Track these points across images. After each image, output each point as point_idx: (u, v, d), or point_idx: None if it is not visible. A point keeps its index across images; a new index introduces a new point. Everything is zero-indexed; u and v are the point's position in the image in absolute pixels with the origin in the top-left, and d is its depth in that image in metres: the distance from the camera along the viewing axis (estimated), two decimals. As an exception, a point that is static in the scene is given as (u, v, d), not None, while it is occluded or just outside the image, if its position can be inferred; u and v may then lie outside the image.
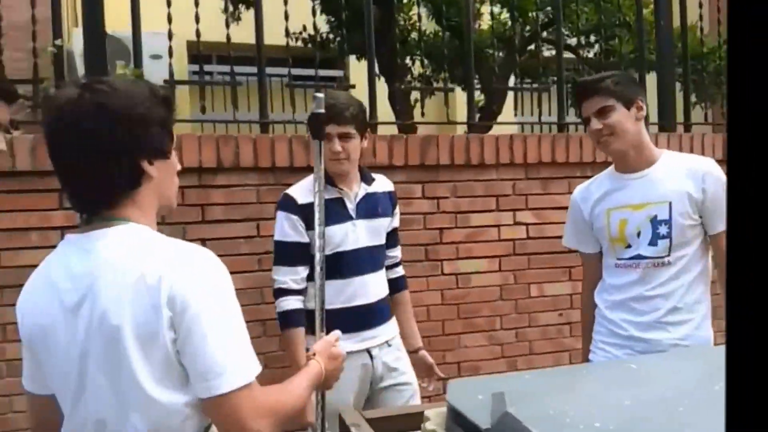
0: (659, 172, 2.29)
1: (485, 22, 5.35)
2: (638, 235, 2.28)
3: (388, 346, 2.62)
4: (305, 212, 2.42)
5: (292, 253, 2.48)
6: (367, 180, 2.62)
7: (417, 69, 5.79)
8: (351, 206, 2.54)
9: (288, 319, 2.47)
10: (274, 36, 3.51)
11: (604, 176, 2.44)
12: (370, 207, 2.58)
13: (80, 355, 1.22)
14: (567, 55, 5.19)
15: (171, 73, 3.30)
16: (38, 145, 2.80)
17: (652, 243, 2.26)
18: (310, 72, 4.88)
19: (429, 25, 5.51)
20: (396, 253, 2.79)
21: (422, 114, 4.08)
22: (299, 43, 5.18)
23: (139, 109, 1.26)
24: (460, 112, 3.93)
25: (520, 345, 3.52)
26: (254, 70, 3.47)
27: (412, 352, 2.76)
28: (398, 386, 2.62)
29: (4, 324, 2.79)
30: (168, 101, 1.33)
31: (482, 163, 3.40)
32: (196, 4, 3.33)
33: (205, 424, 1.29)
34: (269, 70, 3.56)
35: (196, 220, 3.01)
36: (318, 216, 2.00)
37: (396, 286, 2.77)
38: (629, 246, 2.31)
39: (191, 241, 2.91)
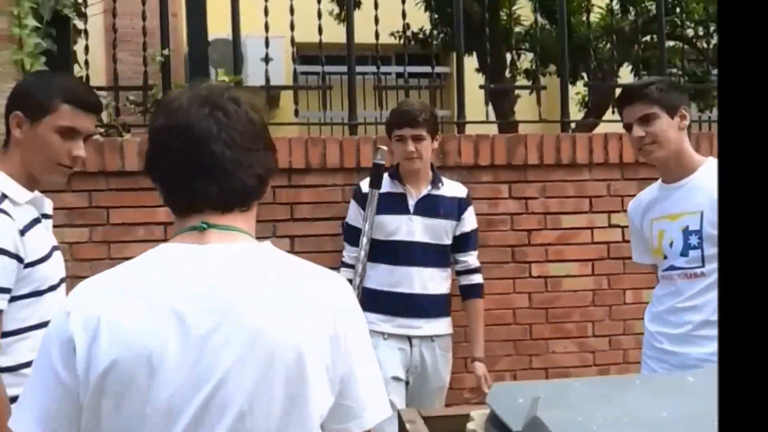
0: (698, 181, 2.22)
1: (595, 14, 5.17)
2: (671, 245, 2.23)
3: (431, 341, 2.78)
4: (365, 200, 2.79)
5: (347, 233, 2.90)
6: (436, 183, 2.82)
7: (523, 64, 5.69)
8: (411, 202, 2.79)
9: None
10: (381, 34, 3.61)
11: (653, 185, 2.40)
12: (431, 207, 2.79)
13: (213, 387, 1.05)
14: (676, 46, 4.93)
15: (267, 79, 3.45)
16: (144, 147, 3.02)
17: (684, 254, 2.20)
18: (418, 69, 4.93)
19: (532, 18, 5.39)
20: (467, 258, 2.89)
21: (513, 112, 4.01)
22: (401, 41, 5.24)
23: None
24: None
25: (613, 353, 3.39)
26: (365, 69, 3.60)
27: (472, 361, 2.89)
28: (427, 384, 2.78)
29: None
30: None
31: (574, 162, 3.31)
32: (292, 11, 3.45)
33: None
34: (370, 68, 3.67)
35: (286, 218, 3.14)
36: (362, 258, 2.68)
37: (468, 292, 2.90)
38: (666, 257, 2.26)
39: (281, 237, 3.10)
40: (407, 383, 2.79)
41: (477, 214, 3.15)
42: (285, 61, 4.75)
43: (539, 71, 5.17)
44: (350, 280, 2.83)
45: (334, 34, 3.61)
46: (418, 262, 2.75)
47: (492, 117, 3.95)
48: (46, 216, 1.88)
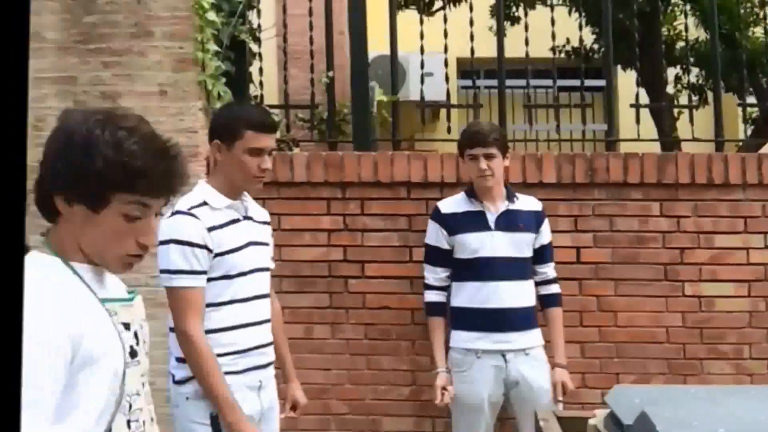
0: None
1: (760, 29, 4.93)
2: None
3: (525, 354, 2.83)
4: (446, 220, 2.92)
5: (431, 255, 2.98)
6: (511, 198, 2.92)
7: (685, 78, 5.52)
8: (491, 218, 2.89)
9: (427, 308, 3.01)
10: (540, 49, 3.73)
11: None
12: (511, 221, 2.87)
13: None
14: None
15: (422, 97, 3.67)
16: (312, 160, 3.33)
17: None
18: (575, 83, 4.95)
19: (696, 33, 5.22)
20: (545, 269, 2.96)
21: (670, 128, 3.95)
22: (560, 55, 5.28)
23: (73, 145, 1.24)
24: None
25: (771, 377, 3.26)
26: (522, 83, 3.74)
27: (553, 367, 2.92)
28: (530, 395, 2.81)
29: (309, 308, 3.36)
30: (131, 167, 1.24)
31: (727, 182, 3.23)
32: (446, 35, 3.65)
33: None
34: (534, 82, 3.80)
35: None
36: None
37: (547, 302, 2.97)
38: None
39: (418, 247, 3.23)
40: (505, 396, 2.86)
41: (627, 231, 3.19)
42: (445, 75, 4.94)
43: (705, 86, 5.01)
44: (439, 303, 2.96)
45: (495, 48, 3.74)
46: (504, 277, 2.83)
47: (654, 134, 3.91)
48: (247, 218, 2.32)
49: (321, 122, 3.82)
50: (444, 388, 2.86)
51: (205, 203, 2.22)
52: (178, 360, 2.19)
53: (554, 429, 1.76)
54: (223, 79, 3.30)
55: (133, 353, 1.34)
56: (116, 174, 1.23)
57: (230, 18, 3.34)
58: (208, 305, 2.19)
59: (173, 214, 2.18)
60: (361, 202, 3.32)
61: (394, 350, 3.31)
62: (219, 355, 2.16)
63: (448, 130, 3.71)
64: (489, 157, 2.81)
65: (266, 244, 2.40)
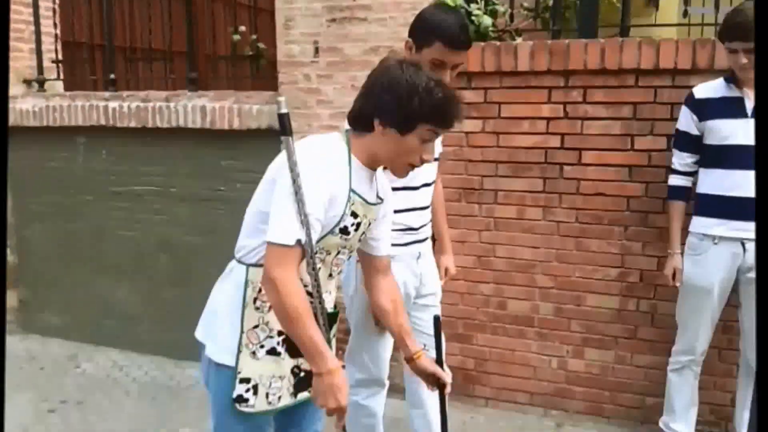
0: None
1: None
2: None
3: None
4: (699, 106, 2.84)
5: (680, 140, 2.95)
6: None
7: None
8: (750, 106, 2.74)
9: (669, 192, 3.03)
10: None
11: None
12: None
13: None
14: None
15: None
16: (536, 50, 3.31)
17: None
18: None
19: None
20: None
21: None
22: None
23: (399, 87, 1.74)
24: None
25: None
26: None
27: None
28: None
29: (522, 191, 3.52)
30: (437, 108, 1.74)
31: None
32: None
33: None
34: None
35: (666, 117, 3.17)
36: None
37: None
38: None
39: (657, 136, 3.12)
40: (736, 282, 2.84)
41: None
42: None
43: None
44: (682, 187, 2.96)
45: None
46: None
47: None
48: None
49: (545, 10, 3.74)
50: (674, 271, 2.95)
51: None
52: None
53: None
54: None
55: (345, 231, 1.82)
56: (426, 111, 1.74)
57: None
58: None
59: None
60: (584, 91, 3.27)
61: (606, 234, 3.32)
62: (393, 231, 2.38)
63: (684, 14, 3.46)
64: (751, 51, 2.62)
65: (435, 159, 2.47)
